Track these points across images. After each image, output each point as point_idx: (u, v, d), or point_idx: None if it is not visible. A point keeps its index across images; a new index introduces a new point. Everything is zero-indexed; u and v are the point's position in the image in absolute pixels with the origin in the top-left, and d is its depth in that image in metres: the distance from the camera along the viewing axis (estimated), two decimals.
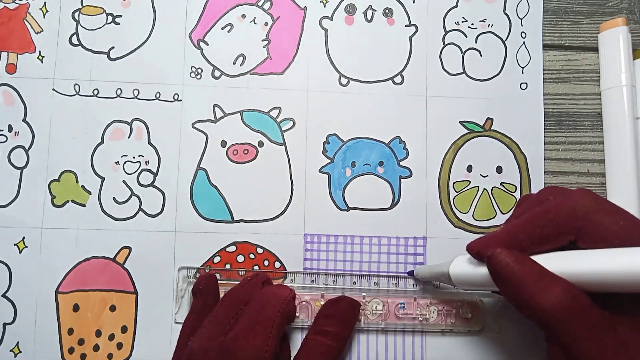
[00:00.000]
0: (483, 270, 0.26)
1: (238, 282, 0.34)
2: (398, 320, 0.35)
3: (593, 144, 0.39)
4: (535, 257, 0.24)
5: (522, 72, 0.39)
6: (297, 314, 0.34)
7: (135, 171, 0.36)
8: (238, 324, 0.30)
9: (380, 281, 0.36)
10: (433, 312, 0.35)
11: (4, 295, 0.35)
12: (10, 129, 0.36)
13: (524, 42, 0.39)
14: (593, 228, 0.22)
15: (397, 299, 0.35)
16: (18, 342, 0.35)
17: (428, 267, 0.34)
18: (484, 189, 0.38)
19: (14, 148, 0.36)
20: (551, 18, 0.40)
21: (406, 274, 0.36)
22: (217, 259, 0.36)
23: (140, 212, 0.36)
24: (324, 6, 0.39)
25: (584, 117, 0.39)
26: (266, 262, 0.36)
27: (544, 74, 0.39)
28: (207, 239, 0.36)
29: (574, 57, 0.40)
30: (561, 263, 0.23)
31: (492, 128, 0.38)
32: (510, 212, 0.38)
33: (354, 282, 0.36)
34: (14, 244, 0.35)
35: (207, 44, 0.38)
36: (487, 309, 0.36)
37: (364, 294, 0.35)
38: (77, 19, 0.37)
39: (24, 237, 0.35)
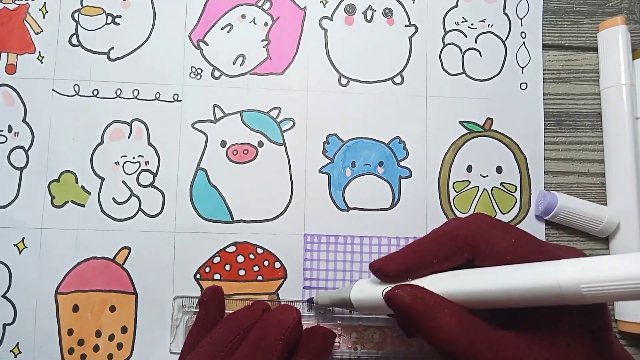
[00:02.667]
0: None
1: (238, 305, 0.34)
2: (396, 349, 0.34)
3: (593, 144, 0.39)
4: (433, 277, 0.25)
5: (522, 72, 0.39)
6: None
7: (135, 171, 0.36)
8: (239, 351, 0.29)
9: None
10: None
11: (3, 296, 0.35)
12: (10, 129, 0.36)
13: (523, 42, 0.39)
14: (487, 247, 0.24)
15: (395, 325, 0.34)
16: (18, 343, 0.35)
17: (328, 293, 0.33)
18: (484, 189, 0.38)
19: (13, 148, 0.36)
20: (551, 18, 0.40)
21: (306, 301, 0.35)
22: (216, 259, 0.36)
23: (139, 212, 0.36)
24: (324, 6, 0.39)
25: (584, 117, 0.39)
26: (266, 263, 0.36)
27: (543, 74, 0.39)
28: (206, 239, 0.36)
29: (574, 57, 0.40)
30: (453, 283, 0.24)
31: (492, 128, 0.38)
32: (510, 212, 0.38)
33: (350, 311, 0.35)
34: (14, 245, 0.35)
35: (207, 44, 0.38)
36: None
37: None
38: (77, 19, 0.37)
39: (23, 238, 0.35)
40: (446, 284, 0.25)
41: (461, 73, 0.39)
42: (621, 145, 0.37)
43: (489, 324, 0.23)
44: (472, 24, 0.39)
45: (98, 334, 0.35)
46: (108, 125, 0.37)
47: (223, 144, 0.37)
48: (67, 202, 0.36)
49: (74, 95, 0.37)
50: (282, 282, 0.36)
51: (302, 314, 0.30)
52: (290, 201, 0.37)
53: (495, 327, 0.23)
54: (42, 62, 0.37)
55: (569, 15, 0.40)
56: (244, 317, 0.31)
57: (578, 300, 0.21)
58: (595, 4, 0.40)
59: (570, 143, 0.39)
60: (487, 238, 0.24)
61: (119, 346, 0.35)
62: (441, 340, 0.23)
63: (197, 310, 0.34)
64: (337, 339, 0.34)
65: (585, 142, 0.39)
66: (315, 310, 0.35)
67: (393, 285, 0.26)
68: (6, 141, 0.36)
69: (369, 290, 0.28)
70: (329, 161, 0.37)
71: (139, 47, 0.37)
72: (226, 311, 0.35)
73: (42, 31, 0.37)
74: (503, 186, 0.38)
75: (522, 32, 0.39)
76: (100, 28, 0.37)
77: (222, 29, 0.38)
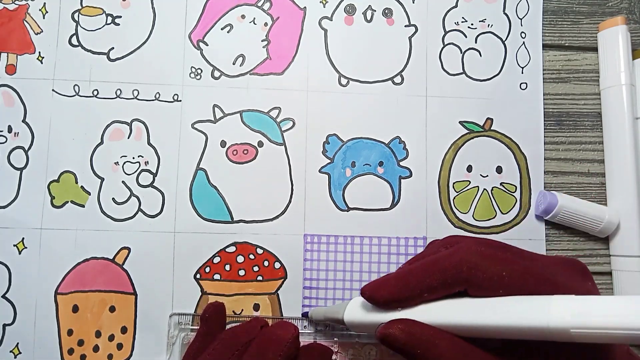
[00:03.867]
0: (377, 317, 0.27)
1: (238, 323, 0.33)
2: None
3: (593, 144, 0.39)
4: (424, 307, 0.25)
5: (522, 72, 0.39)
6: None
7: (135, 172, 0.36)
8: None
9: None
10: None
11: (3, 296, 0.35)
12: (10, 129, 0.36)
13: (523, 42, 0.39)
14: (479, 280, 0.24)
15: None
16: (18, 343, 0.35)
17: (323, 310, 0.33)
18: (484, 189, 0.38)
19: (13, 149, 0.36)
20: (551, 18, 0.40)
21: (301, 315, 0.35)
22: (216, 260, 0.36)
23: (139, 212, 0.36)
24: (324, 6, 0.39)
25: (584, 117, 0.39)
26: (266, 263, 0.36)
27: (543, 74, 0.39)
28: (206, 239, 0.36)
29: (574, 57, 0.40)
30: (444, 315, 0.24)
31: (491, 128, 0.38)
32: (510, 212, 0.38)
33: (342, 327, 0.34)
34: (14, 245, 0.35)
35: (207, 45, 0.38)
36: None
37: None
38: (77, 19, 0.37)
39: (23, 238, 0.35)
40: (437, 315, 0.25)
41: (461, 73, 0.39)
42: (621, 145, 0.37)
43: (485, 349, 0.23)
44: (472, 24, 0.39)
45: (98, 334, 0.35)
46: (108, 126, 0.37)
47: (223, 144, 0.37)
48: (67, 202, 0.36)
49: (73, 96, 0.37)
50: (282, 282, 0.36)
51: (299, 331, 0.30)
52: (290, 201, 0.37)
53: (492, 352, 0.23)
54: (42, 63, 0.37)
55: (569, 15, 0.40)
56: (242, 333, 0.31)
57: (567, 340, 0.21)
58: (595, 4, 0.40)
59: (570, 143, 0.39)
60: (479, 272, 0.24)
61: (119, 346, 0.35)
62: None
63: (199, 326, 0.34)
64: (334, 356, 0.34)
65: (585, 142, 0.39)
66: (312, 326, 0.35)
67: (386, 321, 0.25)
68: (6, 141, 0.36)
69: (361, 313, 0.28)
70: (329, 161, 0.37)
71: (138, 47, 0.37)
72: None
73: (42, 31, 0.37)
74: (503, 186, 0.38)
75: (522, 32, 0.39)
76: (100, 28, 0.37)
77: (222, 29, 0.38)
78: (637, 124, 0.37)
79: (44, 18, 0.37)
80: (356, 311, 0.29)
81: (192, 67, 0.38)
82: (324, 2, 0.39)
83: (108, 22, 0.38)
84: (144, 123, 0.37)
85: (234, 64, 0.38)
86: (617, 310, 0.20)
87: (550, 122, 0.39)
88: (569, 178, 0.39)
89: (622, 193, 0.37)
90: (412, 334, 0.24)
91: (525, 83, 0.39)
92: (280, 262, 0.36)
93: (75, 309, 0.35)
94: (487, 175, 0.38)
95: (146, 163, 0.37)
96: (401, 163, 0.38)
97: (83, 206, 0.36)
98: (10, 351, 0.35)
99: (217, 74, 0.38)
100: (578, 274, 0.25)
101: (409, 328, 0.24)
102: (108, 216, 0.36)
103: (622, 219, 0.37)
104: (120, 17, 0.38)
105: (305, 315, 0.35)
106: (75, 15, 0.37)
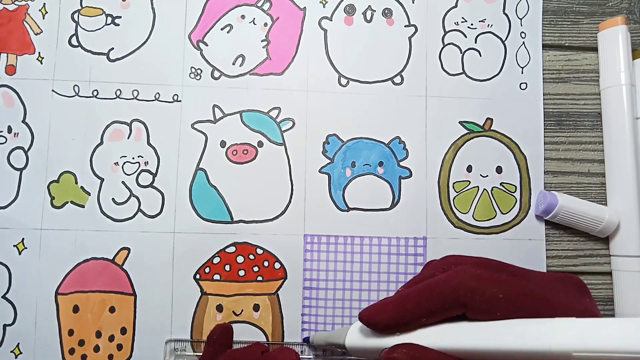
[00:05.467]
0: (378, 342, 0.27)
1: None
2: None
3: (593, 144, 0.39)
4: (423, 332, 0.25)
5: (522, 72, 0.39)
6: None
7: (135, 172, 0.36)
8: None
9: None
10: None
11: (3, 297, 0.35)
12: (9, 130, 0.36)
13: (523, 42, 0.39)
14: (476, 304, 0.24)
15: None
16: (18, 343, 0.35)
17: (324, 335, 0.33)
18: (484, 189, 0.38)
19: (13, 149, 0.36)
20: (551, 18, 0.40)
21: (302, 342, 0.36)
22: (216, 260, 0.36)
23: (139, 212, 0.36)
24: (324, 7, 0.39)
25: (584, 117, 0.39)
26: (266, 263, 0.36)
27: (543, 74, 0.39)
28: (206, 239, 0.36)
29: (574, 57, 0.40)
30: (443, 340, 0.24)
31: (491, 128, 0.38)
32: (510, 213, 0.38)
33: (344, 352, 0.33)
34: (14, 245, 0.35)
35: (207, 45, 0.38)
36: None
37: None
38: (77, 20, 0.37)
39: (23, 239, 0.35)
40: (437, 340, 0.25)
41: (461, 73, 0.39)
42: (621, 145, 0.37)
43: None
44: (471, 24, 0.39)
45: (98, 334, 0.35)
46: (108, 126, 0.37)
47: (223, 144, 0.37)
48: (67, 202, 0.36)
49: (73, 96, 0.37)
50: (282, 283, 0.36)
51: (301, 357, 0.31)
52: (290, 201, 0.37)
53: None
54: (41, 63, 0.37)
55: (569, 15, 0.40)
56: (243, 358, 0.31)
57: None
58: (595, 4, 0.40)
59: (570, 143, 0.39)
60: (476, 295, 0.24)
61: (119, 347, 0.35)
62: None
63: (202, 349, 0.34)
64: None
65: (585, 142, 0.39)
66: (311, 351, 0.35)
67: (388, 346, 0.25)
68: (6, 142, 0.36)
69: (362, 338, 0.28)
70: (329, 161, 0.37)
71: (138, 47, 0.37)
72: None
73: (42, 32, 0.37)
74: (503, 186, 0.38)
75: (522, 32, 0.39)
76: (100, 29, 0.37)
77: (221, 29, 0.38)
78: (637, 124, 0.37)
79: (43, 18, 0.37)
80: (357, 336, 0.29)
81: (192, 67, 0.38)
82: (324, 2, 0.39)
83: (108, 22, 0.38)
84: (143, 123, 0.37)
85: (233, 64, 0.38)
86: (618, 332, 0.20)
87: (550, 122, 0.39)
88: (569, 178, 0.39)
89: (622, 193, 0.37)
90: (417, 358, 0.24)
91: (525, 83, 0.39)
92: (280, 263, 0.36)
93: (75, 309, 0.35)
94: (487, 175, 0.38)
95: (146, 163, 0.37)
96: (401, 163, 0.38)
97: (83, 206, 0.36)
98: (11, 351, 0.35)
99: (217, 74, 0.38)
100: (576, 290, 0.25)
101: (413, 352, 0.24)
102: (108, 216, 0.36)
103: (622, 219, 0.37)
104: (120, 17, 0.38)
105: (306, 340, 0.35)
106: (75, 16, 0.37)
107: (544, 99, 0.39)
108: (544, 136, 0.39)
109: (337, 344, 0.31)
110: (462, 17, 0.39)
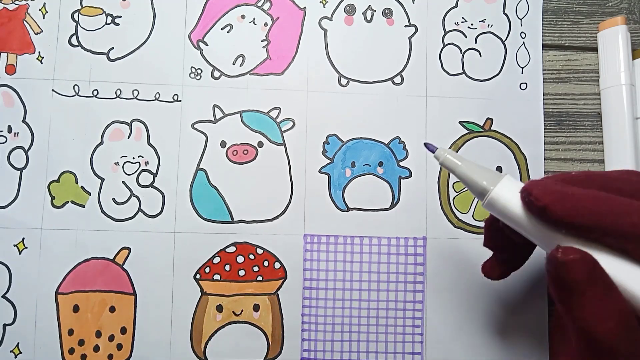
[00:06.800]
0: (541, 229, 0.22)
1: None
2: None
3: (593, 144, 0.39)
4: (609, 257, 0.21)
5: (522, 72, 0.39)
6: None
7: (135, 172, 0.36)
8: None
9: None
10: None
11: (3, 296, 0.35)
12: (9, 129, 0.36)
13: (523, 42, 0.39)
14: None
15: None
16: (18, 343, 0.35)
17: (463, 165, 0.27)
18: None
19: (13, 149, 0.36)
20: (551, 18, 0.40)
21: (424, 145, 0.30)
22: (216, 260, 0.36)
23: (139, 212, 0.36)
24: (324, 7, 0.39)
25: (583, 117, 0.39)
26: (266, 263, 0.36)
27: (543, 74, 0.39)
28: (206, 239, 0.36)
29: (574, 57, 0.40)
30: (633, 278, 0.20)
31: (491, 128, 0.38)
32: None
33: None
34: (14, 245, 0.35)
35: (207, 45, 0.38)
36: None
37: None
38: (77, 19, 0.37)
39: (23, 238, 0.35)
40: (625, 275, 0.20)
41: (461, 73, 0.39)
42: (621, 145, 0.37)
43: None
44: (471, 24, 0.39)
45: (98, 334, 0.35)
46: (108, 126, 0.37)
47: (223, 144, 0.37)
48: (67, 202, 0.36)
49: (73, 96, 0.37)
50: (282, 283, 0.36)
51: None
52: (290, 201, 0.37)
53: None
54: (41, 63, 0.37)
55: (568, 15, 0.40)
56: None
57: None
58: (595, 4, 0.40)
59: (570, 143, 0.39)
60: None
61: (119, 347, 0.35)
62: (595, 330, 0.19)
63: None
64: None
65: (585, 142, 0.39)
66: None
67: (556, 241, 0.20)
68: (6, 141, 0.36)
69: (519, 204, 0.23)
70: (329, 161, 0.37)
71: (138, 47, 0.37)
72: None
73: (42, 31, 0.37)
74: None
75: (522, 32, 0.39)
76: (100, 28, 0.37)
77: (222, 29, 0.38)
78: (637, 124, 0.37)
79: (43, 18, 0.37)
80: (512, 195, 0.24)
81: (192, 67, 0.38)
82: (324, 2, 0.39)
83: (108, 22, 0.38)
84: (144, 123, 0.37)
85: (233, 64, 0.38)
86: None
87: (550, 122, 0.39)
88: None
89: None
90: (593, 277, 0.20)
91: (525, 83, 0.39)
92: (280, 262, 0.36)
93: (75, 308, 0.35)
94: None
95: (146, 163, 0.37)
96: (401, 163, 0.38)
97: (83, 206, 0.36)
98: (11, 351, 0.35)
99: (217, 74, 0.38)
100: None
101: (593, 268, 0.20)
102: (108, 216, 0.36)
103: None
104: (120, 17, 0.38)
105: (429, 146, 0.29)
106: (75, 15, 0.37)
107: (544, 99, 0.39)
108: (544, 136, 0.39)
109: (475, 184, 0.26)
110: (462, 17, 0.39)
